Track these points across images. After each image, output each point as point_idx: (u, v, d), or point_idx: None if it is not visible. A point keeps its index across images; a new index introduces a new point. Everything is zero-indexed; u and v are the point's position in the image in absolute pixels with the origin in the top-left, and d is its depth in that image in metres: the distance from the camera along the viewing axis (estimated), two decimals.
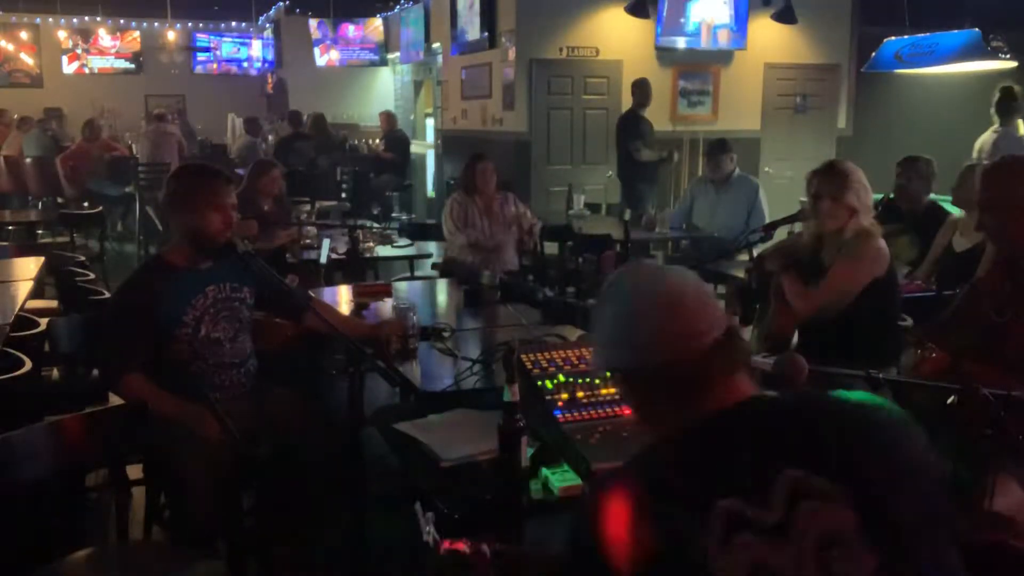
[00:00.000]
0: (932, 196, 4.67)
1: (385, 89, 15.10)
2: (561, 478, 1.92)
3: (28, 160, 10.20)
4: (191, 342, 2.82)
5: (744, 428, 1.17)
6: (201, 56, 16.02)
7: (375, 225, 6.14)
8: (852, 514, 1.08)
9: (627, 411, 2.05)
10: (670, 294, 1.26)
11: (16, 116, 11.33)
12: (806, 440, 1.14)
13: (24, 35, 15.28)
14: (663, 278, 1.30)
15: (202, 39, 15.97)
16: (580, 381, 2.11)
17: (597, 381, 2.11)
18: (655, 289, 1.27)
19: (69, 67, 15.27)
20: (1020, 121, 6.06)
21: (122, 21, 15.39)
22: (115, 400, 2.73)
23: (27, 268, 4.56)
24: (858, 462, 1.13)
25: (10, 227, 7.37)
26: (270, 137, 11.91)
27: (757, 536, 1.05)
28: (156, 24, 15.36)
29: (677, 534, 1.07)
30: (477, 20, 9.49)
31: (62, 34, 15.17)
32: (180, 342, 2.80)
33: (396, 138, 11.04)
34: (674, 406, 1.24)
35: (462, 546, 1.31)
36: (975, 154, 6.04)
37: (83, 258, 4.96)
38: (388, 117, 11.39)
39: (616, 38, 9.00)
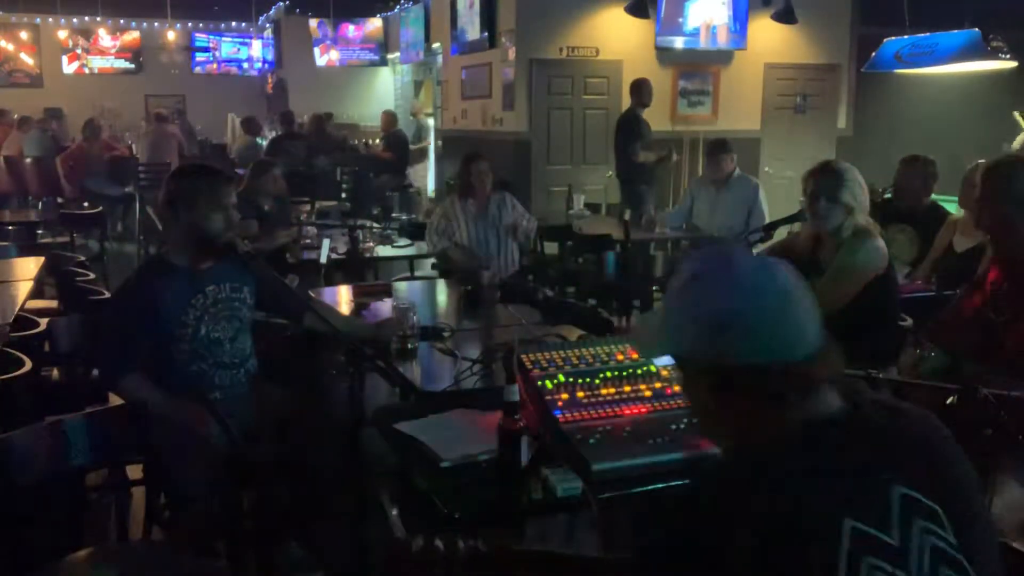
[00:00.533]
0: (933, 196, 4.66)
1: (385, 89, 15.10)
2: (561, 478, 1.92)
3: (28, 160, 10.20)
4: (191, 342, 2.81)
5: (850, 443, 1.12)
6: (201, 56, 16.02)
7: (375, 225, 6.13)
8: (952, 532, 1.07)
9: (627, 411, 2.05)
10: (786, 290, 1.17)
11: (16, 116, 11.32)
12: (906, 458, 1.12)
13: (24, 35, 15.27)
14: (775, 271, 1.19)
15: (200, 38, 15.96)
16: (580, 381, 2.10)
17: (597, 381, 2.11)
18: (769, 282, 1.17)
19: (69, 67, 15.26)
20: None
21: (122, 21, 15.39)
22: (115, 400, 2.73)
23: (27, 268, 4.56)
24: (950, 481, 1.12)
25: (10, 227, 7.36)
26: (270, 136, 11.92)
27: (881, 559, 1.03)
28: (156, 24, 15.36)
29: (804, 549, 1.02)
30: (477, 20, 9.49)
31: (62, 34, 15.16)
32: (180, 342, 2.80)
33: (396, 138, 11.05)
34: (769, 411, 1.15)
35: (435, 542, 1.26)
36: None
37: (83, 258, 4.96)
38: (388, 116, 11.39)
39: (616, 38, 9.00)
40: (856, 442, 1.12)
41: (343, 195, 9.57)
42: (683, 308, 1.20)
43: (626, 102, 8.03)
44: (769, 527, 1.03)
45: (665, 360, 2.23)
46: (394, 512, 1.29)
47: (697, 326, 1.17)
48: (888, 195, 4.72)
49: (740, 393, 1.17)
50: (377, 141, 11.82)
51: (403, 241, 5.67)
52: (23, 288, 4.05)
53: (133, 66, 15.61)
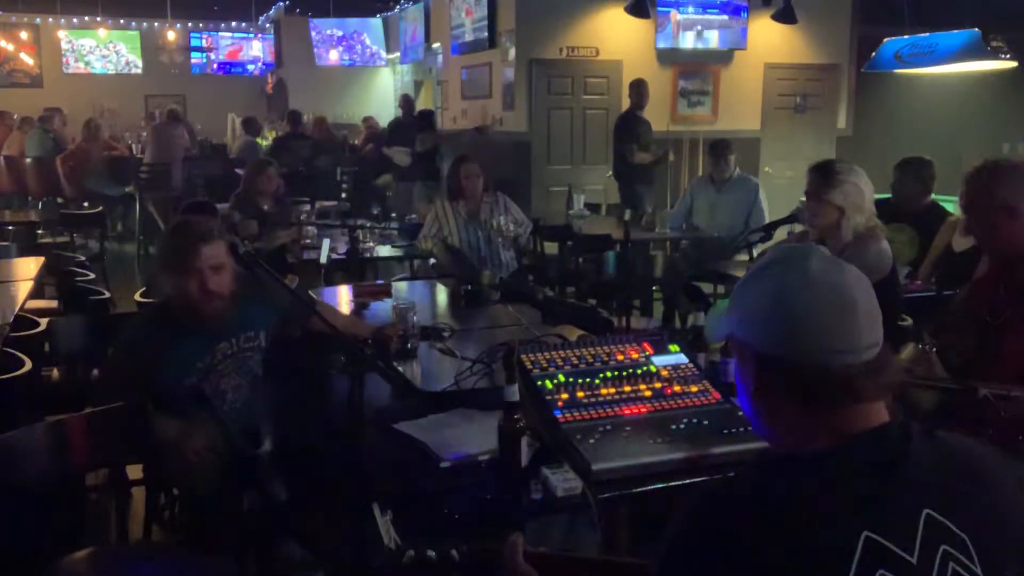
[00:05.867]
0: (933, 196, 4.66)
1: (385, 89, 15.10)
2: (561, 478, 1.92)
3: (28, 160, 10.20)
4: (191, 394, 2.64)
5: (885, 459, 1.11)
6: (200, 57, 16.00)
7: (375, 225, 6.13)
8: (978, 563, 1.07)
9: (627, 411, 2.05)
10: (844, 296, 1.13)
11: (17, 116, 11.32)
12: (941, 483, 1.11)
13: (24, 35, 15.27)
14: (843, 275, 1.16)
15: (196, 35, 15.92)
16: (580, 381, 2.11)
17: (597, 381, 2.12)
18: (831, 283, 1.14)
19: (69, 67, 15.26)
20: None
21: (122, 21, 15.39)
22: None
23: (27, 268, 4.57)
24: (985, 514, 1.11)
25: (10, 227, 7.37)
26: (270, 136, 11.95)
27: (896, 573, 1.02)
28: (156, 24, 15.36)
29: (815, 556, 1.02)
30: (476, 19, 9.50)
31: (62, 34, 15.16)
32: (180, 394, 2.62)
33: (379, 137, 11.14)
34: (802, 416, 1.14)
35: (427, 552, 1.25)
36: None
37: (83, 258, 4.97)
38: (370, 120, 11.95)
39: (616, 38, 9.01)
40: (891, 459, 1.11)
41: (343, 195, 9.58)
42: (748, 291, 1.19)
43: (626, 102, 8.04)
44: (788, 528, 1.03)
45: (664, 360, 2.23)
46: (385, 518, 1.27)
47: (759, 310, 1.16)
48: (888, 197, 4.72)
49: (785, 392, 1.15)
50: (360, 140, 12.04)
51: (403, 241, 5.66)
52: (23, 288, 4.05)
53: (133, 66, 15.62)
